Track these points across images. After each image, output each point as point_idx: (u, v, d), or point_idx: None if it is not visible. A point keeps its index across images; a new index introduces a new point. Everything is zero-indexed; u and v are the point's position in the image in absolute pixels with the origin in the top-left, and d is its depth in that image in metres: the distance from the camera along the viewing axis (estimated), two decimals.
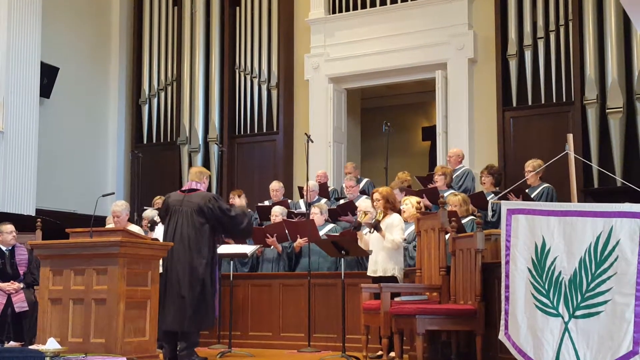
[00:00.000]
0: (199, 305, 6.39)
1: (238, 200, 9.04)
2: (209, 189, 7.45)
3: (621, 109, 9.23)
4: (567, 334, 4.44)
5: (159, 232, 7.55)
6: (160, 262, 6.75)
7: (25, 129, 10.45)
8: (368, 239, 6.66)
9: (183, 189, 6.87)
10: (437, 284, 6.02)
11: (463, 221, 6.82)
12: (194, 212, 6.51)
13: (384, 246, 6.47)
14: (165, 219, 6.69)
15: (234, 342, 7.42)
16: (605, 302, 4.38)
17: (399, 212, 6.83)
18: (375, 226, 6.42)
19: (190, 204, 6.55)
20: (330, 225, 8.32)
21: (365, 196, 8.53)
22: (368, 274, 6.67)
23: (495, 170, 8.26)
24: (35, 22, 10.66)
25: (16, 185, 10.24)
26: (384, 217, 6.51)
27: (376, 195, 6.66)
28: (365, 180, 9.82)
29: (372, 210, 6.79)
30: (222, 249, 7.31)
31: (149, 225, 8.07)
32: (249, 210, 7.90)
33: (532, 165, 7.85)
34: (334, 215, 8.56)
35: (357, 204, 7.79)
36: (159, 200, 9.42)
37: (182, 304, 6.34)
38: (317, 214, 8.17)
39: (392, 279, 6.42)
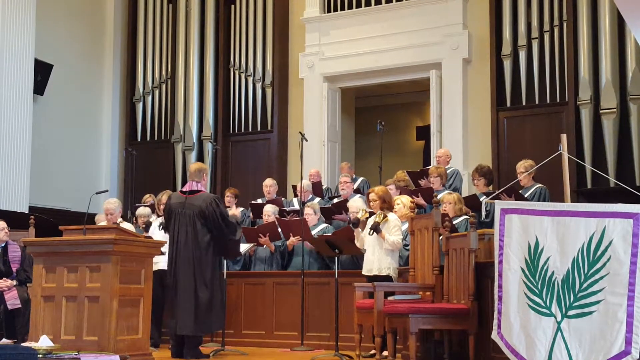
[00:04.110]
0: (209, 309, 6.40)
1: (233, 210, 8.93)
2: None
3: (615, 110, 9.25)
4: (559, 333, 4.45)
5: (155, 234, 7.50)
6: (166, 265, 6.73)
7: (18, 125, 10.41)
8: (364, 238, 6.64)
9: (183, 189, 6.81)
10: (430, 284, 6.03)
11: (456, 221, 6.83)
12: (196, 216, 6.48)
13: (383, 247, 6.44)
14: (169, 224, 6.65)
15: (227, 340, 7.41)
16: (597, 302, 4.39)
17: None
18: (375, 228, 6.39)
19: (192, 207, 6.52)
20: (323, 225, 8.31)
21: (358, 195, 8.52)
22: (363, 272, 6.65)
23: (485, 171, 8.19)
24: (29, 18, 10.61)
25: (9, 182, 10.20)
26: (384, 218, 6.46)
27: (372, 195, 6.63)
28: (360, 179, 9.80)
29: (367, 209, 6.76)
30: None
31: (144, 225, 8.05)
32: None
33: (523, 166, 7.79)
34: (328, 214, 8.55)
35: (349, 203, 7.77)
36: (149, 198, 9.39)
37: (191, 308, 6.35)
38: (311, 214, 8.16)
39: (387, 278, 6.42)
